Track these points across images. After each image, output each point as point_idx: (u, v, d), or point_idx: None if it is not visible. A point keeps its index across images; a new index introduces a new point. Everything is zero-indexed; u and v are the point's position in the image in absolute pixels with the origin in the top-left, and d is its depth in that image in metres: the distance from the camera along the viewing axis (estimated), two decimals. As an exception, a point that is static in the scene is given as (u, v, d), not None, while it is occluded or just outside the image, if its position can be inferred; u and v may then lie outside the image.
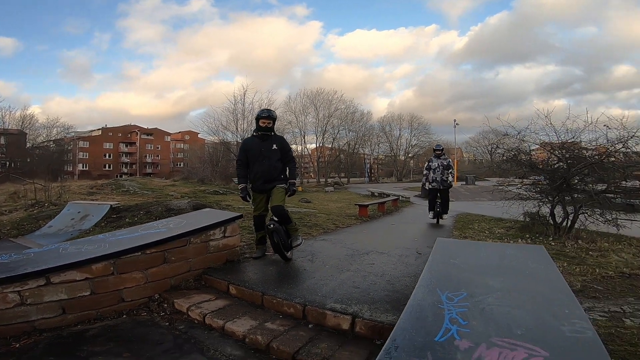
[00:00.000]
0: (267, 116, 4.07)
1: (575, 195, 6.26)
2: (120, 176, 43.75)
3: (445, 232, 6.98)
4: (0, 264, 2.77)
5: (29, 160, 42.08)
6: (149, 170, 58.29)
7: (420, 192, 19.13)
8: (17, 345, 2.28)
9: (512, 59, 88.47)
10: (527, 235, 6.20)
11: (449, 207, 8.18)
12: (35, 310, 2.55)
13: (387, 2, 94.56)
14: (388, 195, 14.97)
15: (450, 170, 7.81)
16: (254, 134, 4.17)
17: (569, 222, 6.21)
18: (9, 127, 41.73)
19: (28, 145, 44.20)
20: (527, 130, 6.67)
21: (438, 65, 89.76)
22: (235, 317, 2.73)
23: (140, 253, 3.14)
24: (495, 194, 7.72)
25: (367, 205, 9.41)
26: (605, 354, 1.53)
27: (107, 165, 57.15)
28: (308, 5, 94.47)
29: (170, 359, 2.21)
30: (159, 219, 5.38)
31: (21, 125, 43.06)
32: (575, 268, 4.04)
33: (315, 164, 48.51)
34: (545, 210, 6.59)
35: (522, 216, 6.87)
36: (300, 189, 21.49)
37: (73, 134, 52.07)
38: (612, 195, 6.20)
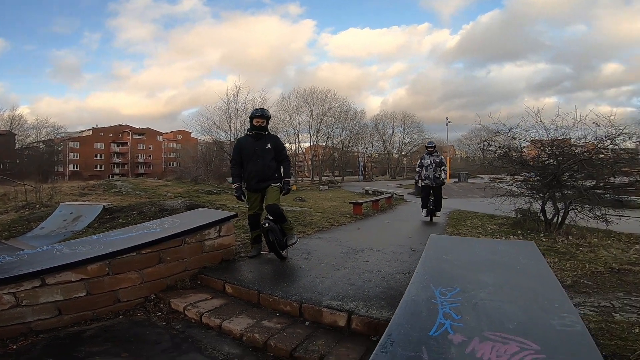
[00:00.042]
0: (260, 115, 4.08)
1: (566, 192, 6.34)
2: (112, 177, 43.31)
3: (438, 229, 7.05)
4: (-6, 266, 2.75)
5: (18, 161, 41.43)
6: (141, 171, 57.72)
7: (413, 190, 19.25)
8: (14, 347, 2.28)
9: (503, 57, 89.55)
10: (519, 232, 6.28)
11: (442, 205, 8.17)
12: (31, 312, 2.54)
13: (380, 0, 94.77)
14: (382, 193, 15.06)
15: (443, 168, 7.79)
16: (248, 133, 4.17)
17: (560, 218, 6.30)
18: (-2, 128, 41.09)
19: (17, 146, 43.52)
20: (518, 128, 6.75)
21: (430, 64, 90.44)
22: (232, 316, 2.75)
23: (135, 253, 3.14)
24: (487, 190, 7.78)
25: (362, 204, 9.46)
26: (594, 347, 1.57)
27: (98, 166, 56.51)
28: (301, 4, 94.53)
29: (169, 358, 2.22)
30: (152, 220, 5.36)
31: (10, 126, 42.39)
32: (566, 264, 4.09)
33: (310, 162, 48.53)
34: (537, 206, 6.67)
35: (513, 213, 6.94)
36: (294, 187, 21.46)
37: (63, 134, 51.40)
38: (601, 191, 6.31)
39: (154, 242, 3.29)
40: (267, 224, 3.81)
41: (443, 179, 7.84)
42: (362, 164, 51.99)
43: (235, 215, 4.26)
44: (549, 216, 6.41)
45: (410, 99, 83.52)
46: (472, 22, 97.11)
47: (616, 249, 5.08)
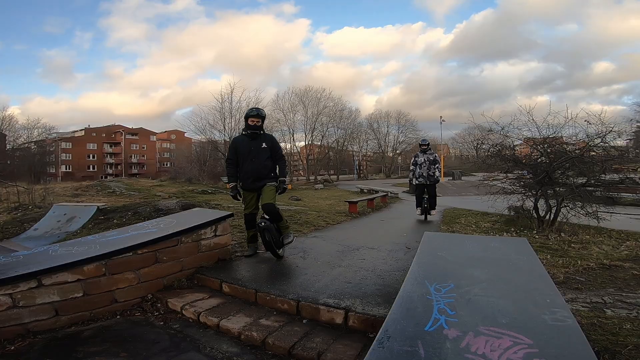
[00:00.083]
0: (256, 114, 4.09)
1: (558, 189, 6.44)
2: (105, 177, 42.94)
3: (433, 226, 7.12)
4: (-10, 268, 2.74)
5: (9, 162, 40.79)
6: (134, 171, 57.29)
7: (408, 188, 19.35)
8: (12, 348, 2.27)
9: (496, 56, 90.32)
10: (512, 229, 6.37)
11: (437, 203, 8.12)
12: (28, 313, 2.54)
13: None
14: (377, 192, 15.12)
15: (437, 165, 7.71)
16: (244, 132, 4.17)
17: (552, 215, 6.39)
18: (-13, 130, 40.47)
19: (8, 147, 42.84)
20: (511, 126, 6.85)
21: (424, 63, 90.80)
22: (229, 315, 2.77)
23: (131, 253, 3.14)
24: (481, 188, 7.89)
25: (357, 202, 9.51)
26: (584, 340, 1.61)
27: (91, 167, 55.95)
28: (296, 3, 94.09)
29: (168, 358, 2.23)
30: (147, 220, 5.34)
31: (0, 127, 41.73)
32: (559, 260, 4.14)
33: (305, 161, 48.52)
34: (529, 204, 6.76)
35: (507, 210, 7.02)
36: (290, 187, 21.48)
37: (55, 135, 50.77)
38: (592, 188, 6.41)
39: (150, 242, 3.29)
40: (263, 223, 3.82)
41: (437, 177, 7.75)
42: (357, 162, 52.08)
43: (231, 215, 4.26)
44: (542, 213, 6.50)
45: (404, 98, 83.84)
46: (465, 21, 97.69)
47: (607, 245, 5.15)
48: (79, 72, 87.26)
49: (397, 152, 56.70)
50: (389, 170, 53.93)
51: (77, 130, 57.88)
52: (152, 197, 11.78)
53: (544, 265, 2.89)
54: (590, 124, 6.11)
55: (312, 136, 46.27)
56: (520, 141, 7.24)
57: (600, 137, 6.11)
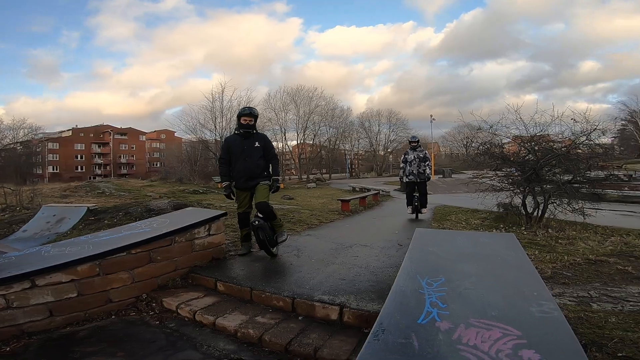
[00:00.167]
0: (248, 113, 4.10)
1: (545, 186, 6.58)
2: (94, 178, 42.17)
3: (424, 224, 7.20)
4: (-19, 270, 2.71)
5: (-6, 163, 39.93)
6: (124, 171, 56.53)
7: (399, 186, 19.50)
8: (7, 349, 2.26)
9: (485, 55, 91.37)
10: (502, 226, 6.48)
11: (428, 201, 7.97)
12: (22, 314, 2.52)
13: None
14: (369, 190, 15.21)
15: (427, 163, 7.58)
16: (236, 132, 4.19)
17: (540, 212, 6.53)
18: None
19: (-7, 148, 41.90)
20: (499, 125, 6.97)
21: (415, 62, 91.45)
22: (225, 313, 2.79)
23: (125, 253, 3.13)
24: (470, 186, 8.00)
25: (349, 200, 9.55)
26: (569, 330, 1.68)
27: (79, 167, 55.01)
28: (288, 2, 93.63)
29: (165, 357, 2.24)
30: (139, 220, 5.32)
31: (-16, 128, 40.77)
32: (546, 256, 4.23)
33: (297, 160, 48.42)
34: (518, 200, 6.89)
35: (496, 207, 7.12)
36: (282, 186, 21.47)
37: (41, 135, 49.76)
38: (578, 185, 6.58)
39: (143, 241, 3.29)
40: (257, 222, 3.84)
41: (428, 174, 7.63)
42: (349, 161, 52.24)
43: (225, 214, 4.27)
44: (530, 210, 6.64)
45: (395, 97, 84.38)
46: (455, 20, 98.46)
47: (593, 241, 5.25)
48: (66, 72, 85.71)
49: (389, 150, 57.02)
50: (380, 169, 54.23)
51: (64, 131, 56.83)
52: (142, 198, 11.68)
53: (532, 260, 2.98)
54: (576, 122, 6.29)
55: (304, 135, 46.19)
56: (508, 139, 7.37)
57: (585, 134, 6.27)
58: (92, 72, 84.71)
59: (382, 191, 15.59)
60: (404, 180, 7.91)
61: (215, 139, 32.03)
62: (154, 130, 62.06)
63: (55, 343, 2.41)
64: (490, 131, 7.11)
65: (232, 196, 4.14)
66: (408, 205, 7.91)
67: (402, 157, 8.03)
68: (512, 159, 7.20)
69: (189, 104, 64.48)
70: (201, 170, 29.04)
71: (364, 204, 10.56)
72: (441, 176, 32.95)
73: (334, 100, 48.65)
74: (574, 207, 6.33)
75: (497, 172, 7.51)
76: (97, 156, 57.56)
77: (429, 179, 7.76)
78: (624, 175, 17.44)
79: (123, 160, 59.01)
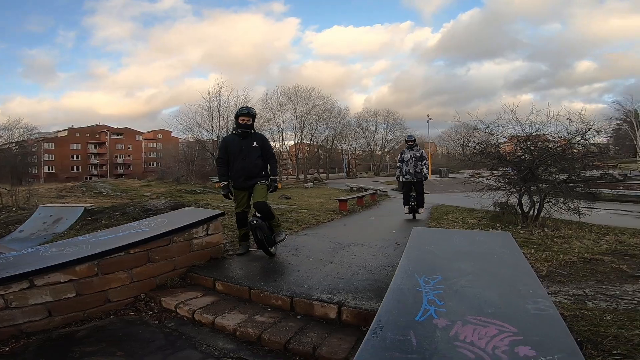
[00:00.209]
0: (246, 113, 4.11)
1: (541, 185, 6.62)
2: (90, 178, 41.94)
3: (421, 223, 7.23)
4: (-21, 270, 2.71)
5: (-11, 164, 39.57)
6: (120, 171, 56.26)
7: (397, 186, 19.53)
8: (6, 349, 2.27)
9: (482, 55, 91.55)
10: (498, 225, 6.52)
11: (425, 200, 7.89)
12: (21, 314, 2.52)
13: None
14: (366, 190, 15.23)
15: (424, 162, 7.50)
16: (234, 131, 4.20)
17: (536, 211, 6.57)
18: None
19: (-13, 148, 41.56)
20: (495, 124, 7.02)
21: (412, 62, 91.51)
22: (224, 312, 2.80)
23: (123, 253, 3.14)
24: (467, 185, 8.02)
25: (347, 200, 9.57)
26: (564, 327, 1.70)
27: (75, 167, 54.73)
28: (285, 2, 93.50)
29: (164, 356, 2.25)
30: (136, 220, 5.31)
31: (-22, 128, 40.43)
32: (542, 254, 4.26)
33: (294, 160, 48.36)
34: (514, 200, 6.93)
35: (492, 206, 7.14)
36: (279, 185, 21.48)
37: (37, 135, 49.35)
38: (574, 184, 6.63)
39: (142, 241, 3.30)
40: (255, 221, 3.86)
41: (425, 173, 7.57)
42: (346, 161, 52.27)
43: (223, 214, 4.28)
44: (526, 209, 6.68)
45: (392, 97, 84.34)
46: (452, 20, 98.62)
47: (588, 239, 5.29)
48: (62, 72, 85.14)
49: (386, 150, 57.07)
50: (377, 169, 54.28)
51: (60, 131, 56.49)
52: (139, 198, 11.64)
53: (528, 259, 3.01)
54: (571, 121, 6.33)
55: (301, 135, 46.10)
56: (504, 139, 7.41)
57: (580, 134, 6.32)
58: (88, 72, 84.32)
59: (380, 191, 15.61)
60: (401, 180, 7.81)
61: (213, 139, 31.99)
62: (150, 130, 61.85)
63: (54, 343, 2.41)
64: (487, 131, 7.16)
65: (230, 196, 4.15)
66: (405, 205, 7.81)
67: (398, 157, 7.95)
68: (508, 158, 7.24)
69: (186, 103, 64.73)
70: (198, 170, 28.98)
71: (362, 204, 10.58)
72: (438, 176, 33.07)
73: (332, 100, 48.62)
74: (570, 206, 6.37)
75: (494, 171, 7.54)
76: (93, 156, 57.27)
77: (426, 178, 7.70)
78: (619, 174, 17.61)
79: (119, 160, 58.75)
